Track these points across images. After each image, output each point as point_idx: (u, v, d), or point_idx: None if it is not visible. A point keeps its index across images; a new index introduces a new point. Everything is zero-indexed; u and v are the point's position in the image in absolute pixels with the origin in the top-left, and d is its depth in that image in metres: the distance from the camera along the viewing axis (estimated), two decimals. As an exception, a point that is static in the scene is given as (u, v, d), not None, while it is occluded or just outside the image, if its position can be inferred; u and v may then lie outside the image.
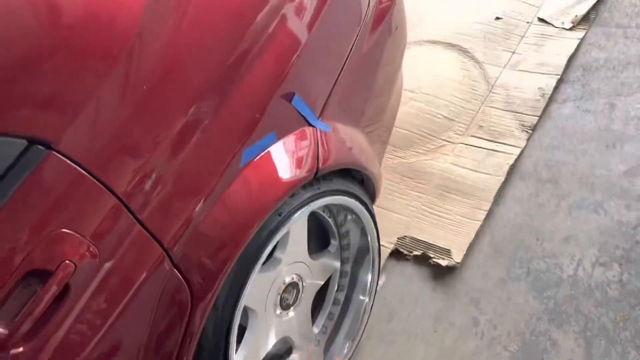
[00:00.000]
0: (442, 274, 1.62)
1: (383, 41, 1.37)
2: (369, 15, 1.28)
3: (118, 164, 0.83)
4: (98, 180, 0.81)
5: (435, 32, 2.26)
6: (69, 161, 0.78)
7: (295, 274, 1.25)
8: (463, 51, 2.19)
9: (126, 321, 0.87)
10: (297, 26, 1.06)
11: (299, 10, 1.06)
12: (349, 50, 1.21)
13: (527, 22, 2.21)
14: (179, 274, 0.92)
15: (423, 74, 2.11)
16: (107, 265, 0.83)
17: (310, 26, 1.08)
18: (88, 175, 0.80)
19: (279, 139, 1.04)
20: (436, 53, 2.20)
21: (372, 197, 1.38)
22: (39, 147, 0.76)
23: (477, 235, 1.66)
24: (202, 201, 0.93)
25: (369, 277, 1.40)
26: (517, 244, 1.62)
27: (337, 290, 1.46)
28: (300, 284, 1.27)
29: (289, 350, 1.34)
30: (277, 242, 1.11)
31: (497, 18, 2.26)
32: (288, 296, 1.26)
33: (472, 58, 2.16)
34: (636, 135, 1.77)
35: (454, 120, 1.97)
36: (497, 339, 1.46)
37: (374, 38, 1.32)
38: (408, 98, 2.00)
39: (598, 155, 1.75)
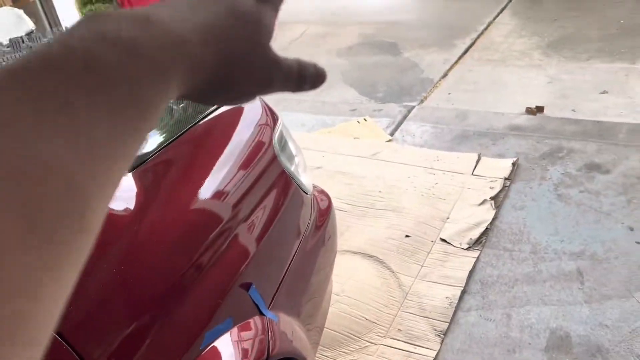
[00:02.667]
0: None
1: (318, 248, 1.59)
2: (309, 228, 1.53)
3: (94, 337, 0.90)
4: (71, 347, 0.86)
5: (355, 244, 2.57)
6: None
7: None
8: (379, 262, 2.47)
9: None
10: (250, 236, 1.26)
11: (252, 225, 1.27)
12: (292, 254, 1.42)
13: (432, 241, 2.59)
14: None
15: (347, 280, 2.33)
16: None
17: (262, 234, 1.29)
18: (65, 343, 0.85)
19: (234, 325, 1.15)
20: (357, 262, 2.47)
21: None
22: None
23: None
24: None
25: None
26: None
27: None
28: None
29: None
30: None
31: (407, 236, 2.63)
32: None
33: (388, 268, 2.44)
34: (532, 342, 2.02)
35: (375, 322, 2.14)
36: None
37: (312, 245, 1.55)
38: (334, 300, 2.17)
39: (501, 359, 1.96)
